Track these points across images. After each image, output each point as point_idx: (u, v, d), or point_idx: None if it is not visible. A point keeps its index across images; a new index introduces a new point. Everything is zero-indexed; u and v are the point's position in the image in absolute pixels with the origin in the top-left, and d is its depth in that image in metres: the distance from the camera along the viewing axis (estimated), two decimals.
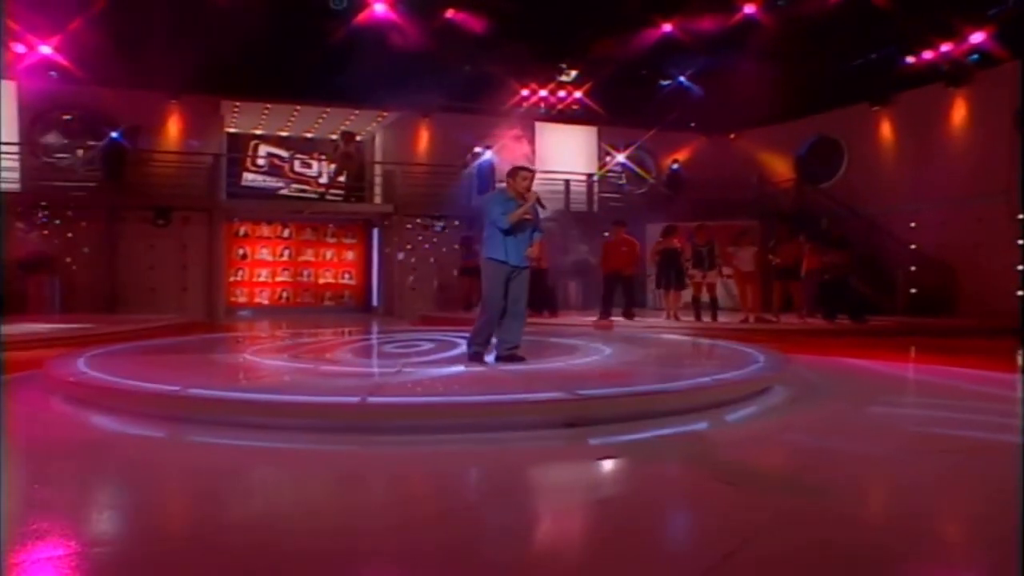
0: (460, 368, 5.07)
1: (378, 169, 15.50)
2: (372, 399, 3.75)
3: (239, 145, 15.96)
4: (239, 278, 15.88)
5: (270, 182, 16.34)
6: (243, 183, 16.01)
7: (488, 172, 14.62)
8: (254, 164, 16.19)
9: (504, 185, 5.51)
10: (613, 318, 10.88)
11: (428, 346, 6.55)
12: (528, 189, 5.21)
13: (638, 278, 11.31)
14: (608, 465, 3.23)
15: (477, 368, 5.06)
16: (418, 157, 15.67)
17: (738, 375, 4.63)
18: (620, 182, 16.72)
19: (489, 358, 5.39)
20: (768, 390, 4.72)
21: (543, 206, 5.26)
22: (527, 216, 5.23)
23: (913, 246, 13.34)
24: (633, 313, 10.99)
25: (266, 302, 16.07)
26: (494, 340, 5.42)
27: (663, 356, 5.95)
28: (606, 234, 11.35)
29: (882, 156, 14.52)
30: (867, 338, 9.36)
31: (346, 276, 16.71)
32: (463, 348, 5.65)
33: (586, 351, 6.21)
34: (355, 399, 3.74)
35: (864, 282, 12.85)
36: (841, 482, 2.88)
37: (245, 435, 3.54)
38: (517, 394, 3.91)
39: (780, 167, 16.16)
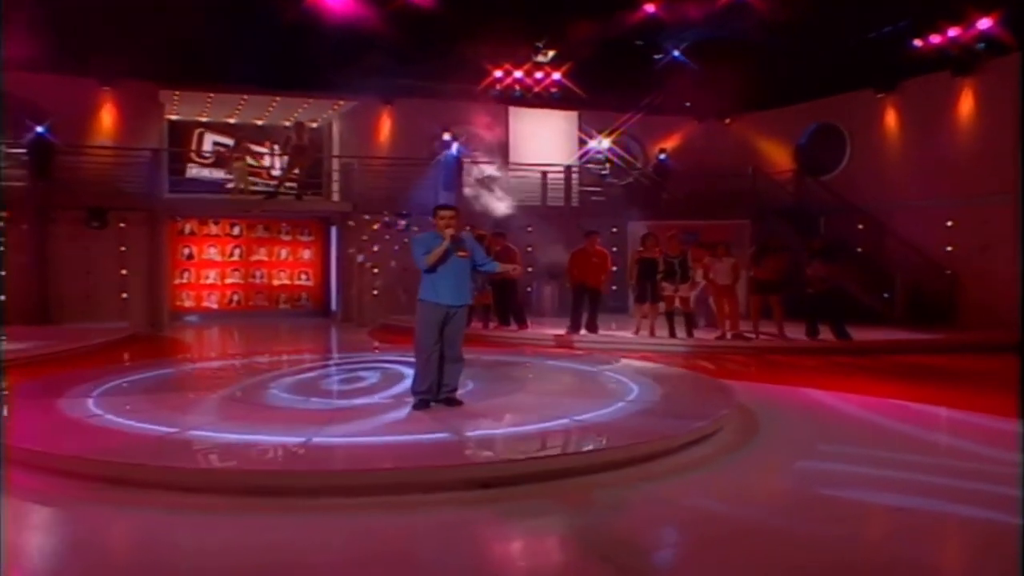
0: (391, 416, 5.54)
1: (335, 163, 15.86)
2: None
3: (182, 134, 16.26)
4: (185, 280, 16.28)
5: (217, 175, 16.67)
6: (187, 176, 16.33)
7: (454, 166, 14.99)
8: (199, 155, 16.50)
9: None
10: (582, 332, 11.40)
11: (371, 380, 7.06)
12: (448, 226, 5.58)
13: (606, 291, 11.77)
14: (496, 531, 3.73)
15: (399, 435, 5.13)
16: (379, 148, 16.05)
17: (658, 432, 5.12)
18: (603, 172, 17.14)
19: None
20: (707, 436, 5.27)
21: (462, 251, 5.65)
22: (462, 254, 5.67)
23: (915, 247, 13.88)
24: (596, 327, 11.50)
25: (215, 306, 16.50)
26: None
27: (597, 397, 6.36)
28: (591, 233, 11.80)
29: (886, 147, 15.00)
30: (850, 358, 9.91)
31: (303, 277, 17.15)
32: (407, 383, 6.11)
33: (530, 385, 6.73)
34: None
35: (861, 287, 13.41)
36: (708, 565, 3.37)
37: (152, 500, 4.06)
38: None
39: (778, 156, 16.63)
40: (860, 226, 14.74)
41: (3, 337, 9.74)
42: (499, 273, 6.96)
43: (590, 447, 4.77)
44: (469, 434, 5.03)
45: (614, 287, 13.23)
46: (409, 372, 6.45)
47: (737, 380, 7.94)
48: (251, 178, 16.00)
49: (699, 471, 4.76)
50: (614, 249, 12.19)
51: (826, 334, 10.63)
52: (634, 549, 3.52)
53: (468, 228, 14.65)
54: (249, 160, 15.88)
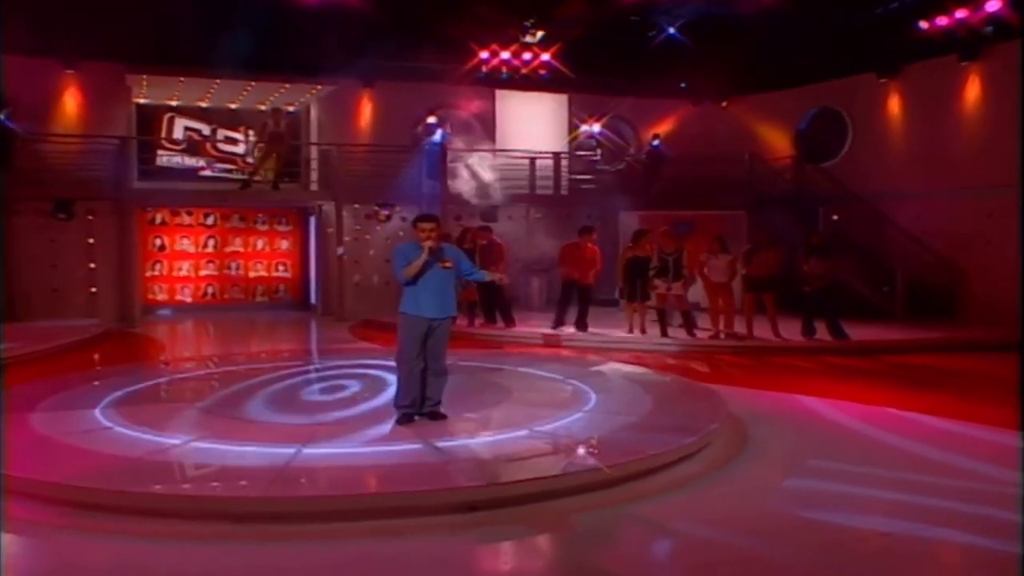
0: (374, 432, 5.69)
1: (314, 150, 15.86)
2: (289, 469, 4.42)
3: (151, 119, 16.20)
4: (156, 272, 16.29)
5: (189, 162, 16.64)
6: (158, 163, 16.29)
7: (438, 153, 15.04)
8: (170, 141, 16.46)
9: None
10: (566, 329, 11.57)
11: (353, 389, 7.19)
12: (428, 239, 5.69)
13: (596, 288, 11.95)
14: (483, 562, 3.91)
15: (383, 455, 5.29)
16: (360, 134, 16.06)
17: (647, 451, 5.29)
18: (594, 158, 17.24)
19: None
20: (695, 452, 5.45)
21: (445, 263, 5.77)
22: (446, 265, 5.79)
23: (917, 239, 14.09)
24: (587, 325, 11.68)
25: (189, 299, 16.53)
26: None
27: (584, 409, 6.50)
28: (587, 229, 11.94)
29: (889, 134, 15.16)
30: (846, 359, 10.11)
31: (280, 268, 17.19)
32: (390, 392, 6.29)
33: (516, 395, 6.92)
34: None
35: (861, 280, 13.63)
36: None
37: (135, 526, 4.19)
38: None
39: (777, 142, 16.76)
40: (861, 215, 14.89)
41: None
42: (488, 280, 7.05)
43: (577, 469, 4.91)
44: (455, 452, 5.17)
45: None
46: (392, 379, 6.58)
47: (728, 384, 8.17)
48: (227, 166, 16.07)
49: (686, 490, 4.94)
50: (599, 248, 12.16)
51: (823, 333, 10.82)
52: None
53: (454, 220, 14.90)
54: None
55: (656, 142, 16.46)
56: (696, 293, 12.62)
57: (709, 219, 14.51)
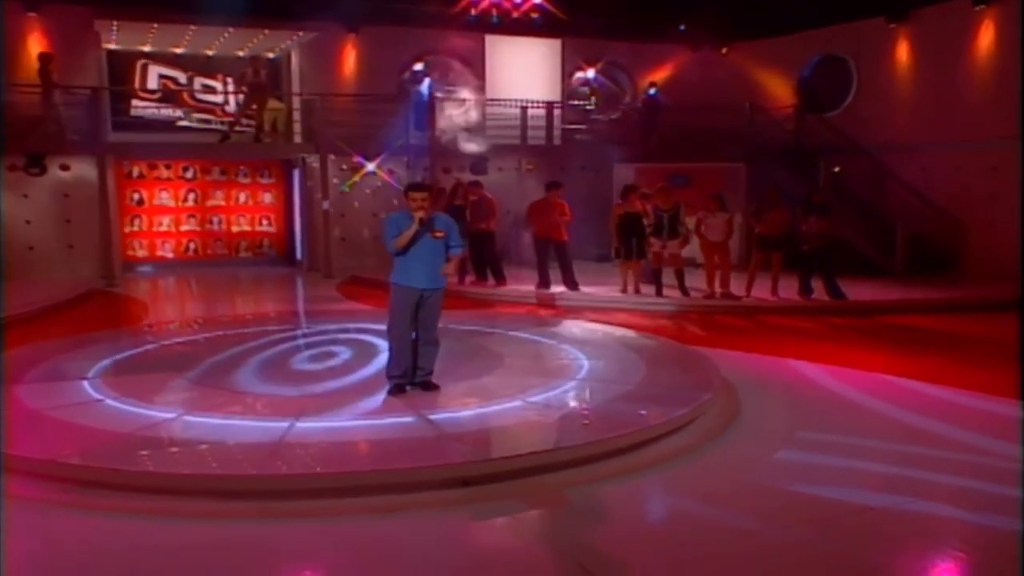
0: (366, 404, 5.86)
1: (296, 100, 15.71)
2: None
3: (123, 66, 15.95)
4: (136, 228, 16.28)
5: (166, 112, 16.46)
6: (132, 114, 16.11)
7: (426, 102, 14.95)
8: (144, 90, 16.24)
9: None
10: (555, 288, 11.76)
11: (344, 357, 7.35)
12: (420, 208, 5.79)
13: (570, 244, 12.05)
14: (477, 538, 4.12)
15: (376, 429, 5.46)
16: (344, 83, 15.91)
17: (643, 424, 5.49)
18: (588, 107, 17.15)
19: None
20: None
21: (436, 234, 5.87)
22: (437, 234, 5.90)
23: (921, 193, 14.20)
24: (576, 283, 11.85)
25: (170, 255, 16.56)
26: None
27: (577, 376, 6.69)
28: (554, 185, 11.97)
29: (896, 83, 15.11)
30: (844, 319, 10.33)
31: (264, 223, 17.20)
32: (382, 360, 6.49)
33: (508, 360, 7.11)
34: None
35: (861, 236, 13.78)
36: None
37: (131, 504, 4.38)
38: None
39: (778, 90, 16.69)
40: (863, 167, 14.95)
41: None
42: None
43: (570, 444, 5.09)
44: (447, 426, 5.33)
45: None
46: (382, 345, 6.81)
47: (722, 348, 8.39)
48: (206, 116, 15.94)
49: (678, 463, 5.14)
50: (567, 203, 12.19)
51: (820, 292, 11.00)
52: (611, 559, 3.89)
53: (443, 172, 14.90)
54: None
55: (653, 91, 16.38)
56: (692, 250, 12.77)
57: (707, 172, 14.58)
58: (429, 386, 6.14)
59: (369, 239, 15.21)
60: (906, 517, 4.34)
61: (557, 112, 16.62)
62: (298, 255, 16.59)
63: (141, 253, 16.42)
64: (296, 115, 15.62)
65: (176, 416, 5.52)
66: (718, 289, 11.13)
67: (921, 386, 6.97)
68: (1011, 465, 4.96)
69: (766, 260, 11.09)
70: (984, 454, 5.23)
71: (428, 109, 15.06)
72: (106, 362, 7.07)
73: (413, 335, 6.07)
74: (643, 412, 5.68)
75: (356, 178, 15.09)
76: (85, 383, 6.36)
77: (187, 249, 16.74)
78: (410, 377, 6.11)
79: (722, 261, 11.07)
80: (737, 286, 11.18)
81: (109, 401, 5.88)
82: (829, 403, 6.53)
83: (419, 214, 5.80)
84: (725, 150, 15.10)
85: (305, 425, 5.31)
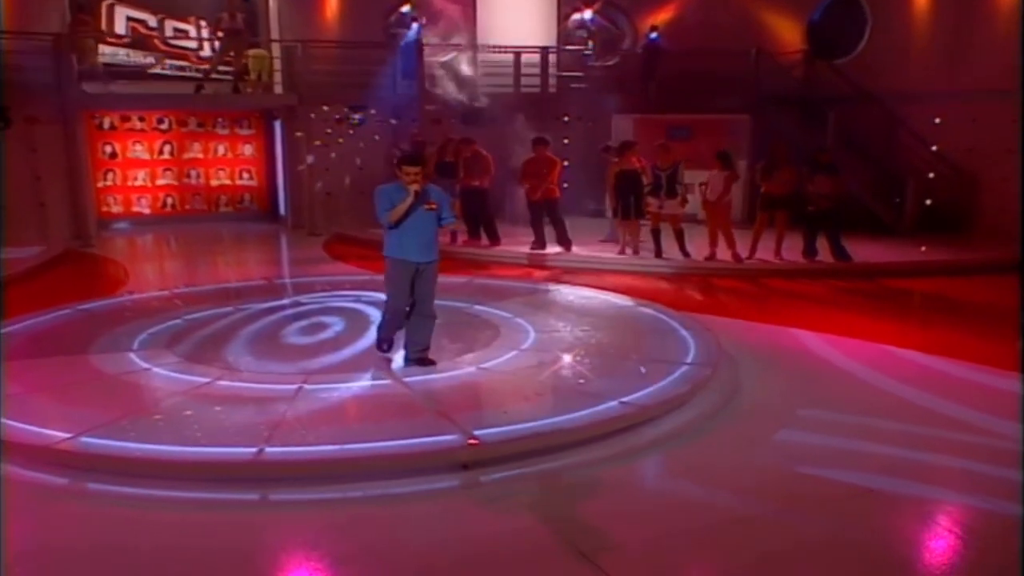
0: (365, 382, 6.01)
1: (276, 48, 15.49)
2: (269, 450, 4.75)
3: (87, 9, 15.60)
4: (109, 183, 16.20)
5: (136, 58, 16.19)
6: (100, 60, 15.81)
7: (414, 49, 14.78)
8: (111, 34, 15.95)
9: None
10: (551, 248, 11.90)
11: (336, 329, 7.47)
12: (414, 182, 5.94)
13: (563, 201, 12.11)
14: (478, 525, 4.28)
15: (381, 384, 6.01)
16: (326, 29, 15.70)
17: (649, 396, 5.65)
18: (586, 52, 16.97)
19: (396, 356, 6.50)
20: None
21: (429, 206, 6.02)
22: (430, 206, 6.03)
23: (934, 147, 14.16)
24: (569, 241, 11.97)
25: (147, 211, 16.54)
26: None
27: (577, 351, 6.87)
28: (540, 141, 11.96)
29: (913, 26, 14.94)
30: (848, 282, 10.48)
31: (245, 176, 17.13)
32: (373, 331, 6.77)
33: (504, 331, 7.28)
34: (250, 451, 4.74)
35: (870, 192, 13.84)
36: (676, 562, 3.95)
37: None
38: (411, 439, 4.91)
39: (786, 35, 16.52)
40: (875, 118, 14.87)
41: None
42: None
43: (567, 425, 5.23)
44: (446, 405, 5.47)
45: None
46: (374, 313, 7.08)
47: (722, 315, 8.55)
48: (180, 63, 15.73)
49: (676, 443, 5.30)
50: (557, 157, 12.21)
51: (825, 254, 11.12)
52: (609, 542, 4.07)
53: (432, 123, 14.79)
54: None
55: (654, 34, 16.20)
56: (693, 205, 12.84)
57: (709, 124, 14.55)
58: (426, 362, 6.33)
59: (355, 195, 15.16)
60: (907, 501, 4.52)
61: (552, 58, 16.44)
62: (281, 211, 16.57)
63: (116, 209, 16.38)
64: (276, 63, 15.40)
65: (167, 397, 5.64)
66: (715, 249, 11.18)
67: (927, 359, 7.12)
68: (1015, 447, 5.11)
69: (770, 220, 11.17)
70: (989, 435, 5.36)
71: (416, 56, 14.88)
72: (85, 334, 7.15)
73: (408, 307, 6.29)
74: (642, 388, 5.81)
75: (356, 118, 14.98)
76: (66, 360, 6.45)
77: (164, 204, 16.72)
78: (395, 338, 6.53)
79: (724, 221, 11.12)
80: (740, 246, 11.26)
81: (91, 382, 6.00)
82: (831, 378, 6.68)
83: (414, 187, 5.93)
84: (729, 100, 15.01)
85: (302, 405, 5.45)
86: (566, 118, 15.76)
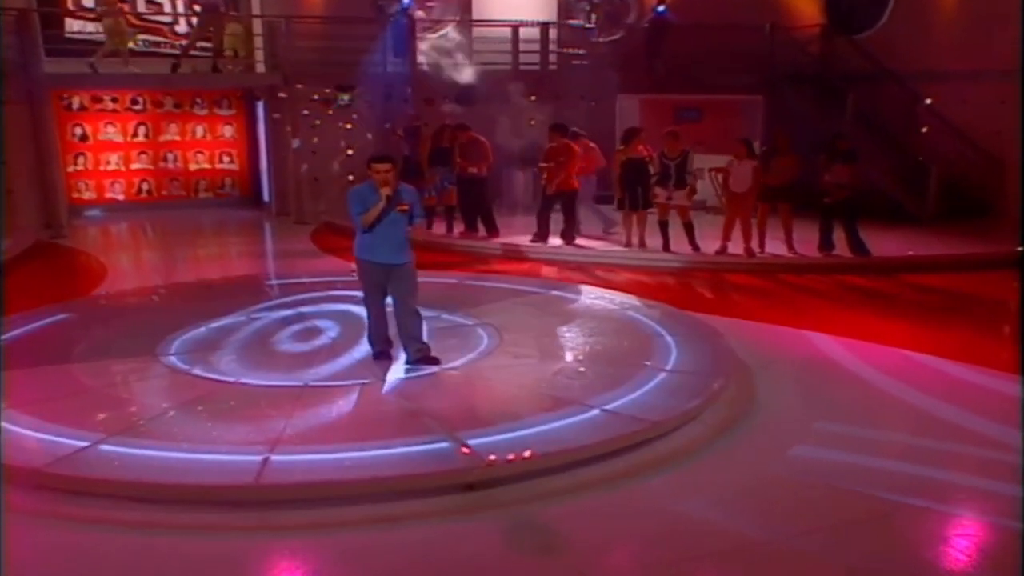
0: (364, 395, 6.18)
1: (258, 24, 15.51)
2: (274, 459, 4.95)
3: None
4: (80, 167, 16.26)
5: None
6: (67, 35, 15.83)
7: (406, 25, 14.83)
8: (79, 7, 15.93)
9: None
10: (553, 241, 12.09)
11: (331, 334, 7.60)
12: (385, 182, 6.23)
13: (581, 193, 12.20)
14: (477, 545, 4.45)
15: (380, 397, 6.20)
16: (311, 4, 15.74)
17: (660, 411, 5.82)
18: (588, 26, 17.02)
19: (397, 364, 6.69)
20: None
21: (402, 209, 6.31)
22: (402, 208, 6.34)
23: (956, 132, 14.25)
24: (573, 237, 12.10)
25: (121, 197, 16.63)
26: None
27: (583, 358, 7.09)
28: (559, 128, 12.05)
29: (939, 1, 14.97)
30: (866, 279, 10.65)
31: (225, 159, 17.22)
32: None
33: (508, 336, 7.41)
34: (255, 460, 4.92)
35: (891, 177, 13.96)
36: None
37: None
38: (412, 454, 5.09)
39: (804, 7, 16.56)
40: (897, 99, 14.91)
41: None
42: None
43: (574, 443, 5.40)
44: (447, 421, 5.63)
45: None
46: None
47: (734, 316, 8.71)
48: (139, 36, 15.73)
49: (686, 462, 5.43)
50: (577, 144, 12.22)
51: (842, 247, 11.26)
52: (615, 568, 4.25)
53: (424, 104, 14.86)
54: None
55: (661, 8, 16.25)
56: (703, 191, 12.98)
57: (720, 105, 14.65)
58: (429, 360, 6.64)
59: (344, 180, 15.23)
60: (931, 524, 4.66)
61: (552, 33, 16.49)
62: (265, 196, 16.66)
63: (88, 195, 16.48)
64: (258, 41, 15.44)
65: (162, 412, 5.79)
66: (726, 243, 11.33)
67: (951, 366, 7.22)
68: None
69: (772, 211, 11.27)
70: (1017, 452, 5.38)
71: (407, 32, 14.94)
72: (59, 344, 7.28)
73: (386, 304, 6.69)
74: (651, 402, 5.98)
75: (346, 97, 15.06)
76: (42, 375, 6.59)
77: (139, 190, 16.81)
78: (390, 342, 6.85)
79: (746, 214, 11.20)
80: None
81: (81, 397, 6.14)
82: (849, 387, 6.83)
83: (385, 190, 6.26)
84: (741, 79, 15.09)
85: (298, 423, 5.60)
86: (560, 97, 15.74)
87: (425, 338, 6.78)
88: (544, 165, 12.00)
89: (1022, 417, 5.89)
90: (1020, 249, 10.45)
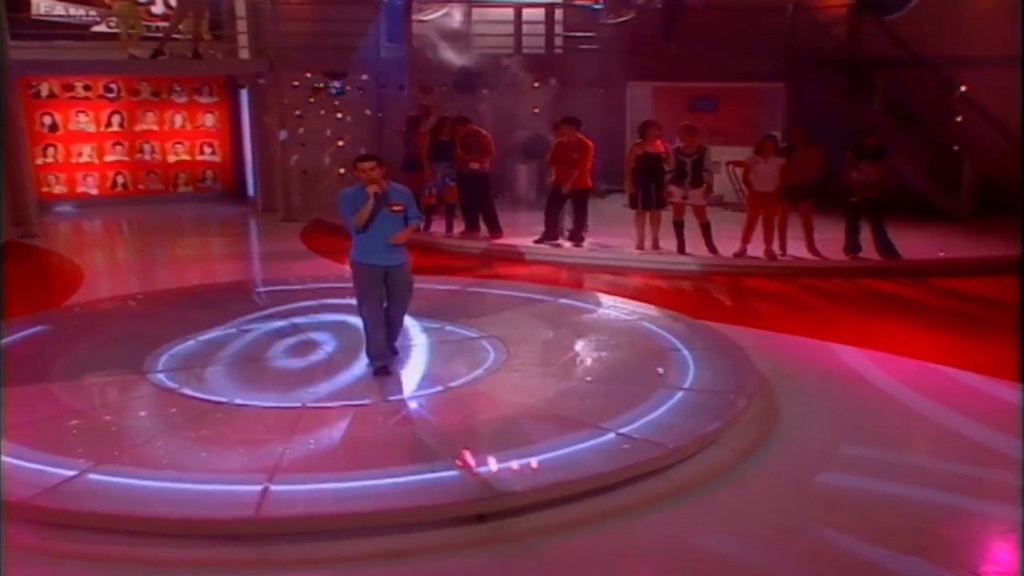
0: (362, 420, 6.30)
1: (241, 6, 15.59)
2: (273, 489, 5.08)
3: None
4: (50, 160, 16.34)
5: (76, 13, 16.19)
6: (34, 16, 15.86)
7: (401, 10, 14.91)
8: None
9: None
10: (562, 244, 12.21)
11: (328, 348, 7.72)
12: (372, 181, 6.59)
13: (593, 191, 12.32)
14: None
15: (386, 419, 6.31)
16: None
17: (681, 435, 5.94)
18: (596, 7, 17.08)
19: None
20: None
21: (395, 206, 6.68)
22: (395, 208, 6.70)
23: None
24: (582, 238, 12.23)
25: (95, 191, 16.72)
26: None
27: (597, 376, 7.20)
28: (568, 121, 12.13)
29: None
30: (895, 284, 10.76)
31: (206, 151, 17.31)
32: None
33: (512, 354, 7.52)
34: (254, 490, 5.05)
35: (921, 171, 14.06)
36: None
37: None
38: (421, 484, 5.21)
39: None
40: (928, 86, 14.97)
41: None
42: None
43: (592, 471, 5.51)
44: (461, 451, 5.74)
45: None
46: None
47: (754, 326, 8.83)
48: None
49: (705, 491, 5.51)
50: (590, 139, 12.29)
51: (868, 249, 11.38)
52: None
53: (421, 91, 14.95)
54: None
55: None
56: (720, 186, 13.08)
57: (738, 94, 14.74)
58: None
59: (336, 173, 15.35)
60: (968, 559, 4.71)
61: (558, 14, 16.57)
62: (250, 190, 16.77)
63: (59, 189, 16.58)
64: (242, 25, 15.52)
65: (149, 439, 5.91)
66: (745, 245, 11.47)
67: (989, 384, 7.26)
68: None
69: (792, 210, 11.37)
70: None
71: (403, 14, 15.02)
72: (41, 363, 7.39)
73: (384, 312, 7.00)
74: (668, 423, 6.10)
75: (335, 86, 15.18)
76: (24, 399, 6.70)
77: (114, 184, 16.91)
78: (390, 353, 7.20)
79: (768, 215, 11.31)
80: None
81: (69, 421, 6.25)
82: (879, 406, 6.92)
83: (372, 188, 6.60)
84: (761, 64, 15.15)
85: (297, 449, 5.72)
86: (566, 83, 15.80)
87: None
88: (554, 163, 12.08)
89: (1022, 426, 5.98)
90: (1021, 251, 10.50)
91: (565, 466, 5.54)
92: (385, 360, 7.06)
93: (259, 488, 5.17)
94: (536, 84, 15.40)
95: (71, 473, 5.34)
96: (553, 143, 12.39)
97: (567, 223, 12.45)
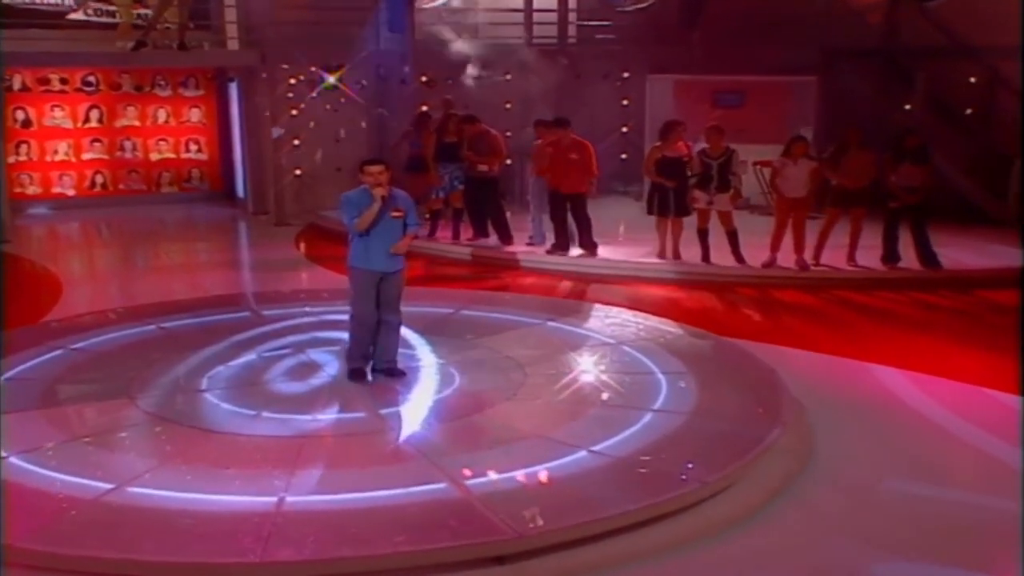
0: (369, 449, 6.38)
1: None
2: (278, 529, 5.10)
3: None
4: (23, 157, 16.47)
5: (51, 0, 16.29)
6: (4, 3, 15.95)
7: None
8: None
9: None
10: (574, 251, 12.32)
11: (330, 371, 7.78)
12: (378, 184, 6.88)
13: (592, 196, 12.38)
14: None
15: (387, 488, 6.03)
16: None
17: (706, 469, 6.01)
18: None
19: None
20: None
21: (396, 211, 7.00)
22: (396, 213, 7.01)
23: None
24: (594, 244, 12.32)
25: (71, 192, 16.87)
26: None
27: (616, 404, 7.21)
28: (560, 122, 12.20)
29: None
30: (938, 296, 10.82)
31: (192, 148, 17.43)
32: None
33: (529, 381, 7.55)
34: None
35: (965, 171, 14.10)
36: None
37: None
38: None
39: None
40: (974, 78, 14.99)
41: None
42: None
43: (618, 510, 5.56)
44: (474, 486, 5.81)
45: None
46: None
47: (786, 345, 8.87)
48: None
49: (734, 532, 5.50)
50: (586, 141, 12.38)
51: (909, 259, 11.42)
52: None
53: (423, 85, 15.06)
54: None
55: None
56: (749, 187, 13.14)
57: (766, 88, 14.80)
58: (394, 372, 7.45)
59: (331, 173, 15.44)
60: None
61: (572, 2, 16.65)
62: (239, 191, 16.88)
63: (32, 190, 16.75)
64: (231, 14, 15.63)
65: (132, 477, 5.99)
66: (774, 254, 11.52)
67: None
68: None
69: (841, 218, 11.41)
70: None
71: (405, 3, 15.12)
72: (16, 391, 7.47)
73: (375, 319, 7.26)
74: (689, 465, 6.13)
75: (333, 78, 15.29)
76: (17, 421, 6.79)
77: (93, 184, 17.08)
78: (369, 359, 7.44)
79: (798, 222, 11.36)
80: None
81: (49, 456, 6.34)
82: (922, 436, 6.94)
83: (379, 191, 6.89)
84: (791, 54, 15.17)
85: (301, 483, 5.78)
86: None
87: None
88: (542, 166, 12.21)
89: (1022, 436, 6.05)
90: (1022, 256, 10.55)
91: (587, 502, 5.61)
92: (362, 363, 7.40)
93: (264, 528, 5.24)
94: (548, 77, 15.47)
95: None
96: (534, 145, 12.51)
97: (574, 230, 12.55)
